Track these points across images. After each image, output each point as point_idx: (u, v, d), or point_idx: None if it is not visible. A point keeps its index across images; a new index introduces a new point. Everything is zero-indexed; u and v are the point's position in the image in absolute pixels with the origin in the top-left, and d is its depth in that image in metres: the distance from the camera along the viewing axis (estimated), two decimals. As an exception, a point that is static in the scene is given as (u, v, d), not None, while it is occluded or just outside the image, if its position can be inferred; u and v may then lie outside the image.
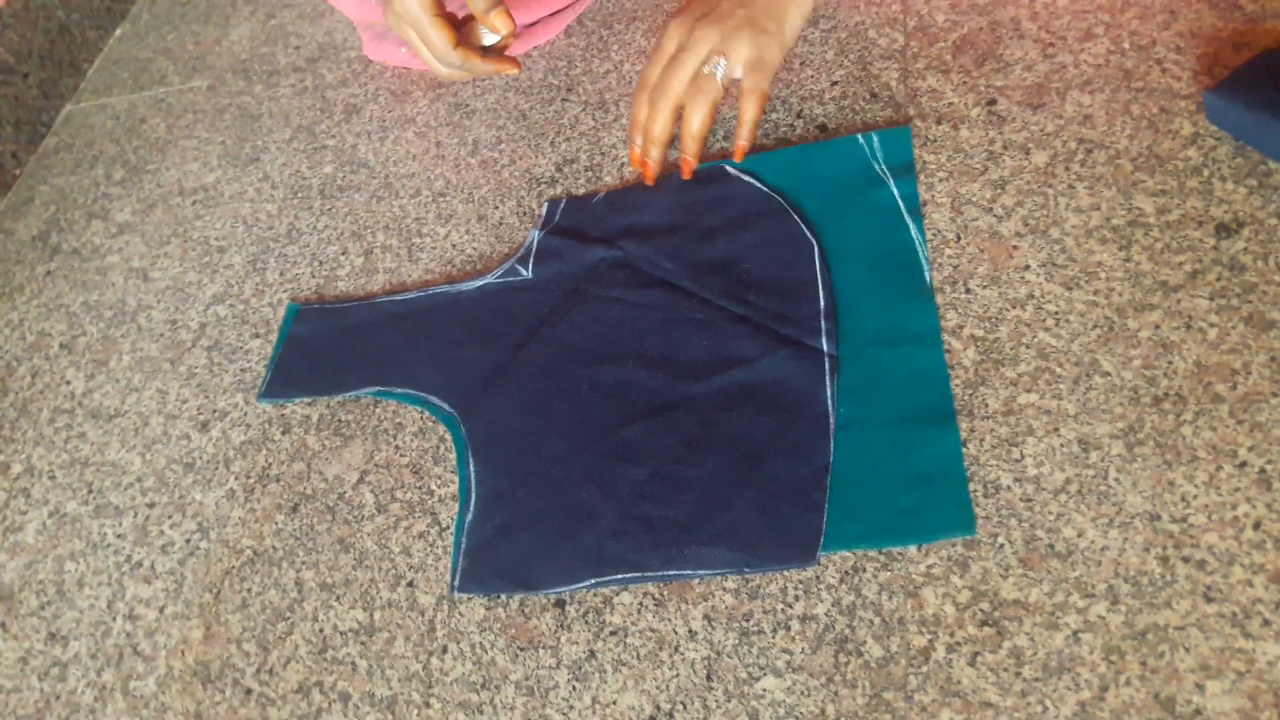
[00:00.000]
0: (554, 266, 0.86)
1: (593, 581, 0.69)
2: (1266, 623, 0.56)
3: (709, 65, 0.82)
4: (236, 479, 0.85)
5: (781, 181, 0.84)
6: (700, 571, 0.67)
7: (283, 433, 0.86)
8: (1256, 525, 0.59)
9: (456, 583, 0.72)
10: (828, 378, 0.72)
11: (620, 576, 0.68)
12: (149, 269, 1.07)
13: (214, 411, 0.91)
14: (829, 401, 0.71)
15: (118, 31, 1.46)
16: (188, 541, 0.83)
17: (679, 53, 0.83)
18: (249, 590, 0.78)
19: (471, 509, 0.75)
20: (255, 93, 1.22)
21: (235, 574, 0.80)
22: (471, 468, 0.77)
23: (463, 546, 0.73)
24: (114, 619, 0.81)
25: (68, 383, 1.00)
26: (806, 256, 0.79)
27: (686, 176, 0.86)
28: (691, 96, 0.83)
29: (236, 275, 1.01)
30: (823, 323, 0.75)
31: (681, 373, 0.76)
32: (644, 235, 0.85)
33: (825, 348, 0.74)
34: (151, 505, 0.86)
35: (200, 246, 1.06)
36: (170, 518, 0.85)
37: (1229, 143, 0.74)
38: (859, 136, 0.84)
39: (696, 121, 0.83)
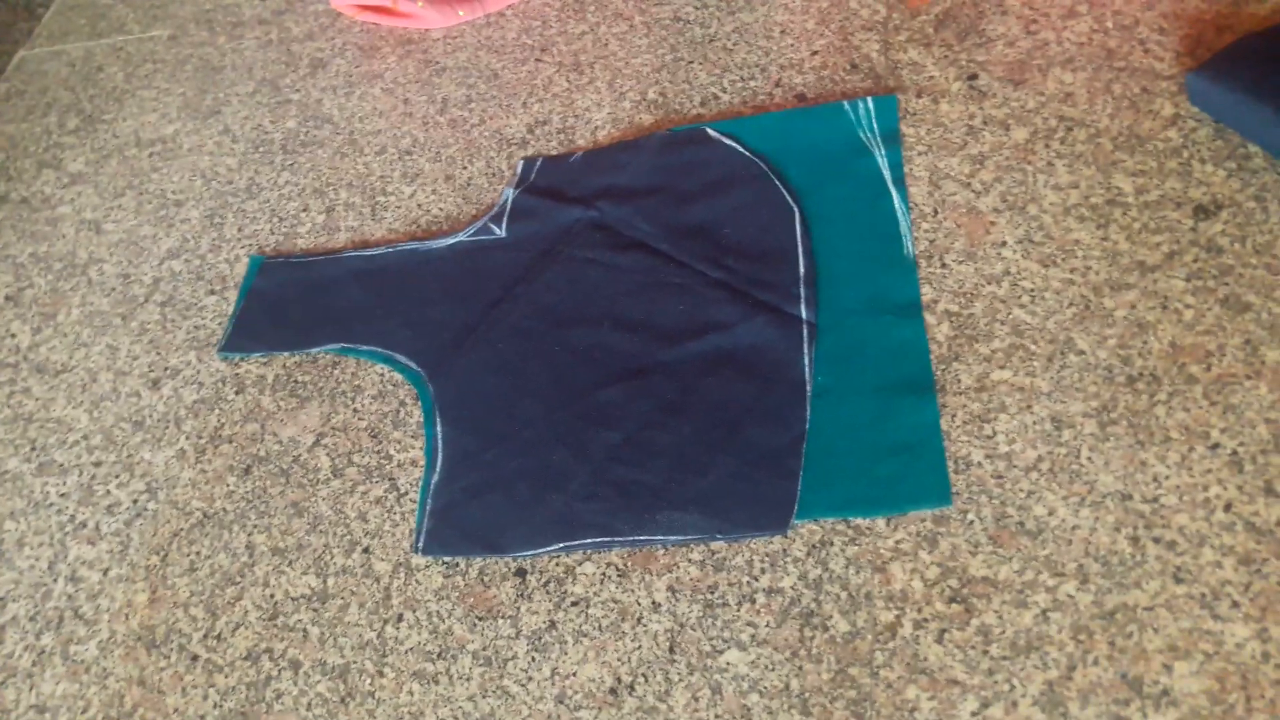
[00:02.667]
0: (529, 226, 0.84)
1: (561, 545, 0.67)
2: (1235, 605, 0.55)
3: None
4: (187, 439, 0.82)
5: (764, 146, 0.82)
6: (672, 537, 0.65)
7: (236, 392, 0.84)
8: (1227, 507, 0.58)
9: (420, 544, 0.70)
10: (806, 345, 0.71)
11: (590, 541, 0.67)
12: (102, 221, 1.03)
13: (165, 369, 0.88)
14: (806, 369, 0.70)
15: (75, -23, 1.40)
16: (135, 502, 0.80)
17: None
18: (198, 553, 0.76)
19: (438, 470, 0.73)
20: (218, 44, 1.18)
21: (184, 536, 0.77)
22: (439, 428, 0.75)
23: (427, 507, 0.71)
24: (55, 581, 0.78)
25: (13, 336, 0.96)
26: (787, 222, 0.77)
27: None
28: None
29: (193, 230, 0.98)
30: (802, 289, 0.74)
31: (658, 336, 0.74)
32: (622, 196, 0.83)
33: (804, 315, 0.72)
34: (98, 464, 0.83)
35: (156, 199, 1.03)
36: (117, 477, 0.82)
37: (1209, 125, 0.74)
38: (844, 103, 0.82)
39: None
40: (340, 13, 1.14)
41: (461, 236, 0.85)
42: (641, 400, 0.71)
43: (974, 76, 0.82)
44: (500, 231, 0.85)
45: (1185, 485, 0.60)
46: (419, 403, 0.78)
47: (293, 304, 0.86)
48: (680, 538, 0.65)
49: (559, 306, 0.78)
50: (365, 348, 0.81)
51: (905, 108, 0.82)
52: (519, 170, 0.88)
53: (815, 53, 0.89)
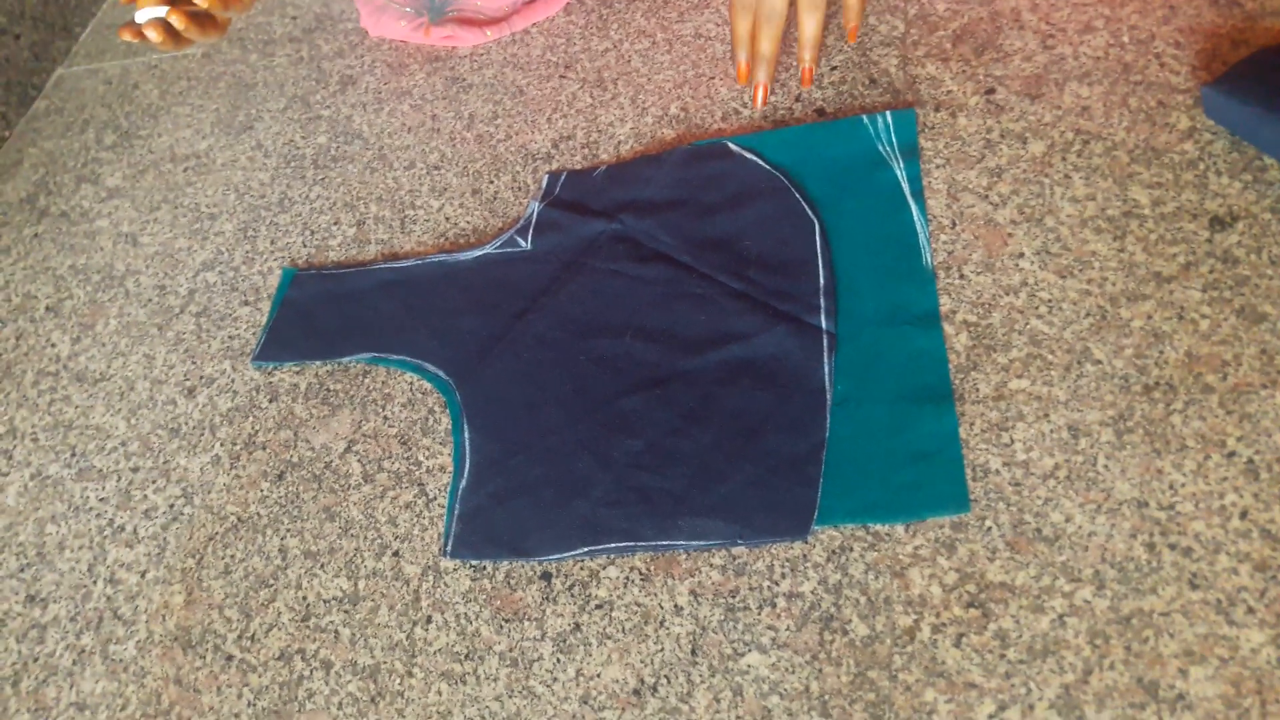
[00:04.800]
0: (553, 238, 0.86)
1: (586, 550, 0.68)
2: (1251, 610, 0.56)
3: None
4: (222, 445, 0.85)
5: (784, 159, 0.84)
6: (694, 543, 0.67)
7: (270, 400, 0.86)
8: (1243, 514, 0.59)
9: (449, 548, 0.72)
10: (825, 354, 0.72)
11: (614, 545, 0.68)
12: (138, 234, 1.06)
13: (201, 377, 0.90)
14: (826, 378, 0.71)
15: (111, -4, 1.44)
16: (171, 507, 0.82)
17: None
18: (232, 556, 0.78)
19: (465, 475, 0.75)
20: (250, 61, 1.21)
21: (219, 540, 0.79)
22: (466, 434, 0.77)
23: (456, 512, 0.73)
24: (94, 582, 0.80)
25: (53, 345, 0.99)
26: (807, 234, 0.79)
27: (807, 84, 0.87)
28: (803, 6, 0.83)
29: (227, 242, 1.00)
30: (822, 300, 0.75)
31: (679, 346, 0.76)
32: (645, 209, 0.85)
33: (824, 325, 0.74)
34: (135, 470, 0.86)
35: (191, 213, 1.05)
36: (154, 483, 0.84)
37: (1225, 137, 0.74)
38: (863, 117, 0.84)
39: (812, 26, 0.84)
40: (369, 31, 1.16)
41: (488, 249, 0.87)
42: (663, 409, 0.73)
43: (991, 91, 0.83)
44: (526, 244, 0.86)
45: (1201, 493, 0.61)
46: (447, 410, 0.80)
47: (324, 314, 0.88)
48: (702, 543, 0.67)
49: (582, 317, 0.80)
50: (395, 357, 0.83)
51: (924, 121, 0.83)
52: (544, 184, 0.90)
53: (834, 68, 0.90)
